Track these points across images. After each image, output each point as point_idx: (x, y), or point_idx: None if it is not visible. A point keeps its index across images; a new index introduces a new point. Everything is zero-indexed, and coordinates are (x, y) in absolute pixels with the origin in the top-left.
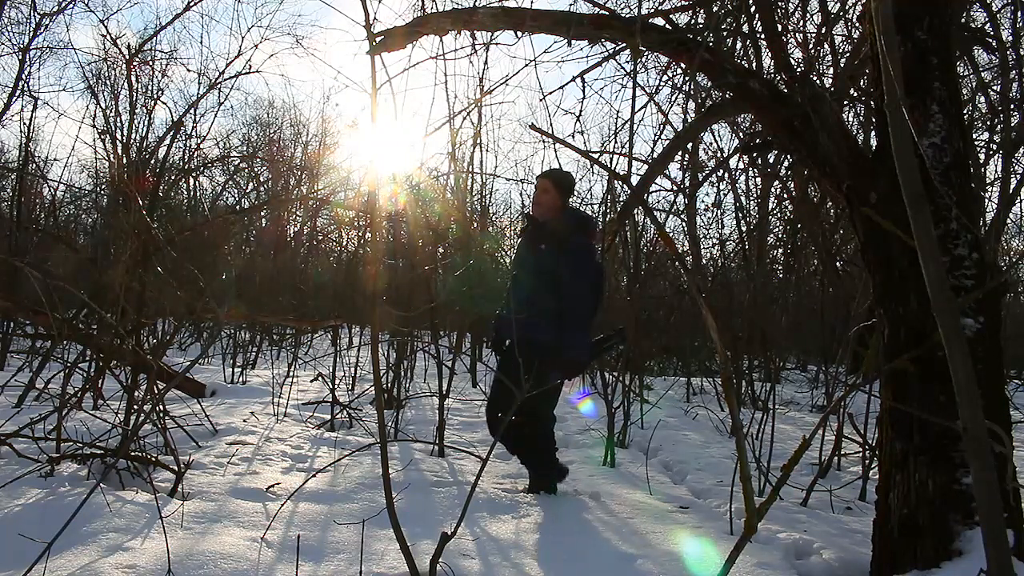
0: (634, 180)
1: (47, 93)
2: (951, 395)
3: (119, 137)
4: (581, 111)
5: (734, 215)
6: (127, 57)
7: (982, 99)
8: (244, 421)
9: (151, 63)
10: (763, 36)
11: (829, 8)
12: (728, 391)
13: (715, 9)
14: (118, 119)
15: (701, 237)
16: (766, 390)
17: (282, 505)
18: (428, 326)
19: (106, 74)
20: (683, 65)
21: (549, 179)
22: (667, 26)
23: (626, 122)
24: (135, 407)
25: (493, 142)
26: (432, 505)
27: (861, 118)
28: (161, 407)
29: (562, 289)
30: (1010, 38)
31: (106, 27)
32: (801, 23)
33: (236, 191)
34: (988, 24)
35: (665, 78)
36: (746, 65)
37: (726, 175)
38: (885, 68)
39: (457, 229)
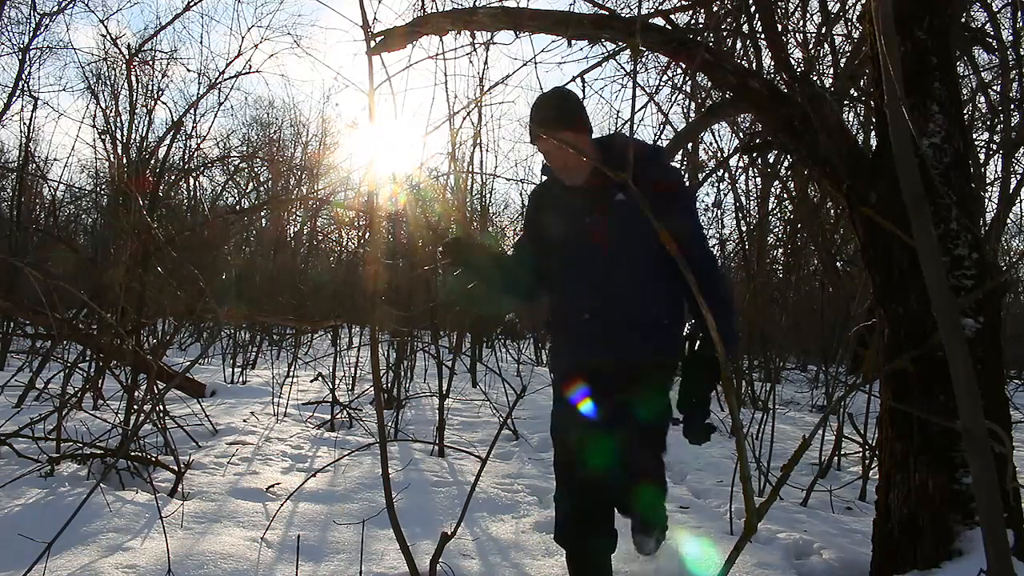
0: None
1: (47, 93)
2: (951, 395)
3: (119, 137)
4: None
5: (734, 215)
6: (127, 57)
7: (982, 99)
8: (244, 421)
9: (151, 63)
10: (763, 36)
11: (829, 8)
12: (728, 391)
13: (715, 9)
14: (118, 119)
15: None
16: (766, 390)
17: (282, 505)
18: (428, 326)
19: (106, 74)
20: (683, 65)
21: (566, 128)
22: (667, 26)
23: (626, 122)
24: (135, 407)
25: (493, 142)
26: (432, 505)
27: (861, 118)
28: (161, 407)
29: (691, 250)
30: (1010, 38)
31: (106, 27)
32: (801, 23)
33: (236, 191)
34: (988, 24)
35: (665, 78)
36: (746, 65)
37: (726, 175)
38: (885, 68)
39: (457, 229)
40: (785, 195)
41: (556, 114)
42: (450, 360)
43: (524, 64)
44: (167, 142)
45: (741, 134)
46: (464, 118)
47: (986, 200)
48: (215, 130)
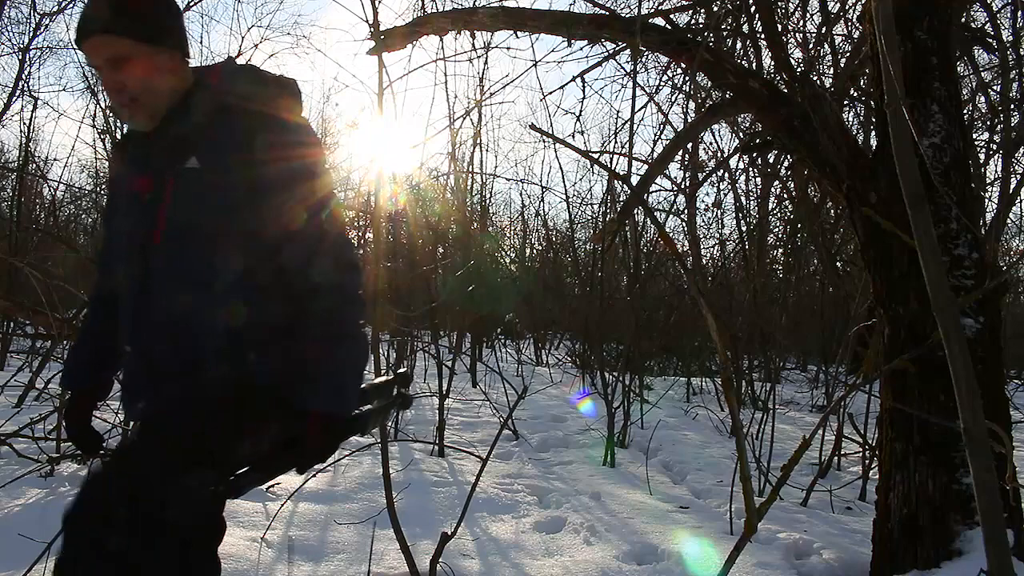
0: (634, 180)
1: (47, 93)
2: (951, 395)
3: (119, 137)
4: (581, 111)
5: (734, 215)
6: None
7: (982, 99)
8: None
9: None
10: (763, 36)
11: (829, 8)
12: (728, 391)
13: (715, 9)
14: (118, 119)
15: (701, 237)
16: (766, 390)
17: (282, 505)
18: (428, 326)
19: None
20: (683, 65)
21: (129, 36)
22: (667, 26)
23: (626, 122)
24: None
25: (493, 142)
26: (432, 505)
27: (861, 118)
28: None
29: (288, 260)
30: (1010, 38)
31: None
32: (801, 23)
33: None
34: (988, 24)
35: (665, 78)
36: (746, 65)
37: (726, 175)
38: (885, 68)
39: (457, 229)
40: (785, 195)
41: (116, 10)
42: (450, 360)
43: (526, 69)
44: None
45: (741, 134)
46: (463, 118)
47: (986, 200)
48: None
